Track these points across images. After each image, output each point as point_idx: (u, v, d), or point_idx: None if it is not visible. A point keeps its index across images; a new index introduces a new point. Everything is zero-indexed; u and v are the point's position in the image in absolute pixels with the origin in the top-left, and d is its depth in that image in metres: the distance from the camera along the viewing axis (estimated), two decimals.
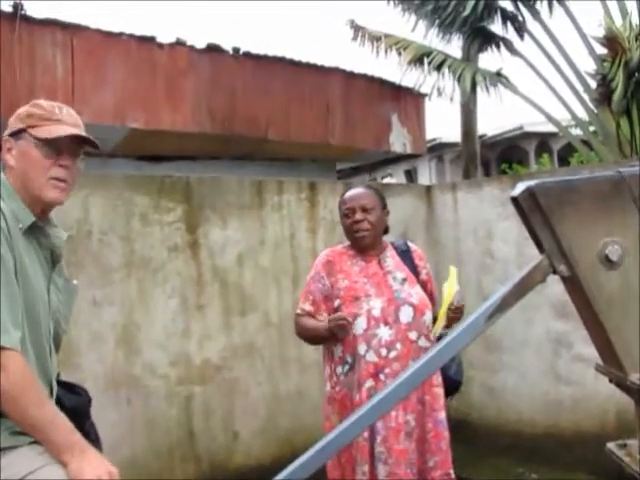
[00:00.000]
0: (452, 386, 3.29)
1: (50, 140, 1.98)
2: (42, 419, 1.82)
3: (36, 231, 2.03)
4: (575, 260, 1.36)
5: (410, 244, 3.45)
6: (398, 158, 12.97)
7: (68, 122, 2.02)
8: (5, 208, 1.94)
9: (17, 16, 6.27)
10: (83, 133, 2.02)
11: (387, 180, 19.17)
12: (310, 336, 3.22)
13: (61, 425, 1.86)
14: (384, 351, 3.04)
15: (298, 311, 3.24)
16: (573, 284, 1.40)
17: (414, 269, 3.30)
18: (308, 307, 3.18)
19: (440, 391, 3.18)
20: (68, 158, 2.01)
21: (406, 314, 3.10)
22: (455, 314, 3.09)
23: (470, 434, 5.43)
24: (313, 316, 3.17)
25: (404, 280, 3.21)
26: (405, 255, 3.34)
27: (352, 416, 1.30)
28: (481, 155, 12.46)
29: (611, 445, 1.59)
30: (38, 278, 2.02)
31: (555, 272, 1.38)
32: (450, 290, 3.08)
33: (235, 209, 5.11)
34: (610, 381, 1.50)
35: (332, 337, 3.05)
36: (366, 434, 2.96)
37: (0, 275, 1.83)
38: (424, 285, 3.30)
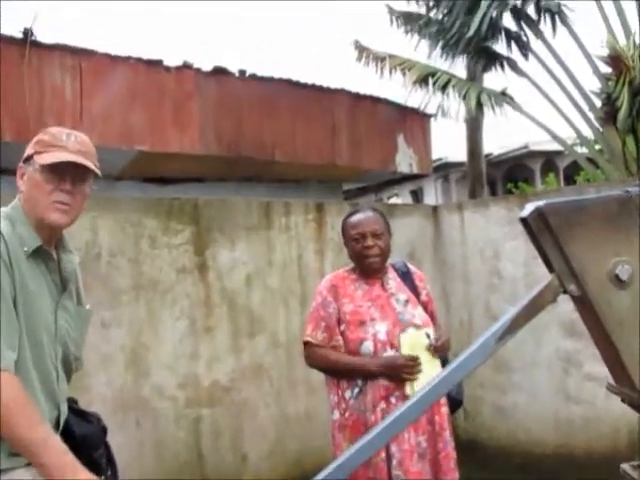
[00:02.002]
0: (453, 405, 3.27)
1: (49, 166, 2.00)
2: (33, 440, 1.82)
3: (43, 255, 2.06)
4: (585, 280, 1.36)
5: (409, 265, 3.43)
6: (404, 178, 13.01)
7: (71, 149, 2.04)
8: (8, 231, 1.97)
9: (27, 41, 6.35)
10: (80, 160, 2.03)
11: (393, 200, 19.20)
12: (343, 370, 3.10)
13: (53, 447, 1.84)
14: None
15: (309, 339, 3.15)
16: (583, 304, 1.40)
17: (414, 290, 3.29)
18: (321, 335, 3.13)
19: (447, 410, 3.17)
20: (69, 183, 2.03)
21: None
22: (439, 351, 3.06)
23: (480, 454, 5.40)
24: (326, 344, 3.13)
25: (407, 302, 3.20)
26: (405, 276, 3.32)
27: (364, 438, 1.29)
28: (487, 174, 12.49)
29: (625, 466, 1.58)
30: (43, 302, 2.03)
31: (565, 292, 1.38)
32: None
33: (243, 231, 5.13)
34: (622, 400, 1.50)
35: (380, 375, 3.00)
36: (383, 454, 2.95)
37: None
38: (425, 306, 3.29)
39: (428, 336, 3.06)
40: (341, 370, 3.11)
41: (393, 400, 3.00)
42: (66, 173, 2.02)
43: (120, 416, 4.43)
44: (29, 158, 2.06)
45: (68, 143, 2.05)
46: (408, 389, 2.96)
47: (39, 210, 2.02)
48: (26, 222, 2.03)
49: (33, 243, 2.01)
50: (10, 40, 6.40)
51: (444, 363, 3.00)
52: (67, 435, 2.10)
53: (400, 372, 2.97)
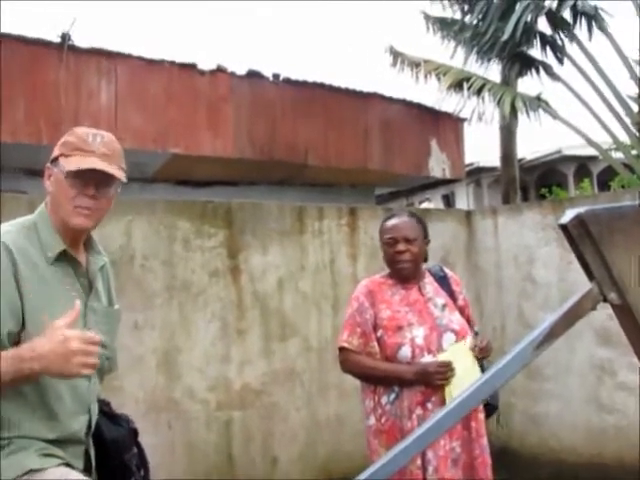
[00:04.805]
0: (488, 410, 3.25)
1: (74, 172, 2.00)
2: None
3: (68, 258, 2.06)
4: (626, 287, 1.34)
5: (446, 270, 3.41)
6: (436, 183, 12.97)
7: (97, 153, 2.02)
8: (20, 243, 1.97)
9: (64, 46, 6.44)
10: (105, 166, 2.01)
11: (425, 205, 19.12)
12: (378, 377, 3.09)
13: (6, 360, 1.81)
14: None
15: (345, 345, 3.14)
16: (623, 312, 1.38)
17: (451, 295, 3.27)
18: (356, 341, 3.12)
19: (483, 416, 3.14)
20: (93, 188, 2.02)
21: (449, 341, 3.08)
22: (483, 352, 3.05)
23: (511, 462, 5.33)
24: (362, 350, 3.12)
25: (444, 306, 3.18)
26: (442, 281, 3.30)
27: (400, 445, 1.29)
28: (519, 179, 12.37)
29: None
30: (68, 305, 1.98)
31: (605, 300, 1.36)
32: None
33: (276, 234, 5.13)
34: None
35: (415, 382, 2.99)
36: (419, 462, 2.93)
37: None
38: (461, 311, 3.27)
39: (474, 347, 3.05)
40: (376, 377, 3.10)
41: (430, 406, 2.98)
42: (90, 178, 2.01)
43: (152, 418, 4.46)
44: (55, 159, 2.06)
45: (93, 146, 2.03)
46: (447, 396, 2.93)
47: (63, 214, 2.03)
48: (50, 227, 2.04)
49: (57, 247, 2.02)
50: (48, 44, 6.50)
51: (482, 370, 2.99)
52: (97, 439, 2.12)
53: (433, 379, 2.96)
